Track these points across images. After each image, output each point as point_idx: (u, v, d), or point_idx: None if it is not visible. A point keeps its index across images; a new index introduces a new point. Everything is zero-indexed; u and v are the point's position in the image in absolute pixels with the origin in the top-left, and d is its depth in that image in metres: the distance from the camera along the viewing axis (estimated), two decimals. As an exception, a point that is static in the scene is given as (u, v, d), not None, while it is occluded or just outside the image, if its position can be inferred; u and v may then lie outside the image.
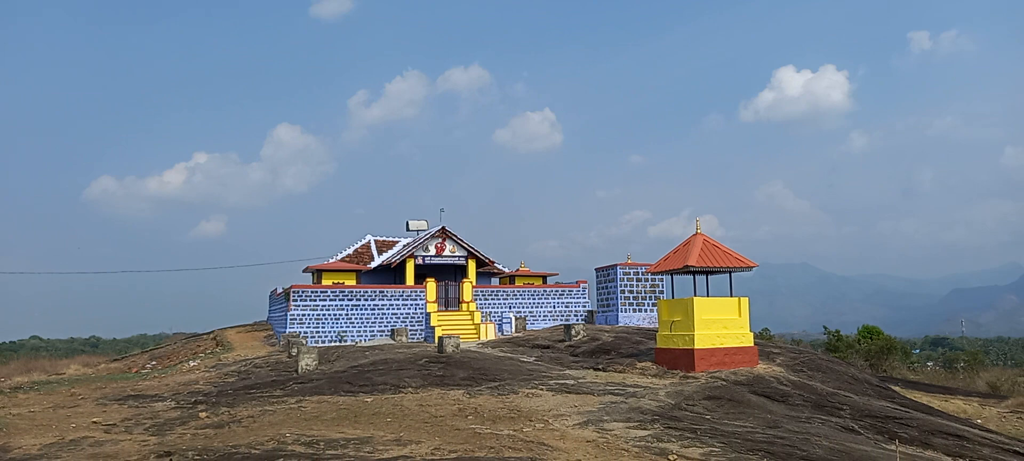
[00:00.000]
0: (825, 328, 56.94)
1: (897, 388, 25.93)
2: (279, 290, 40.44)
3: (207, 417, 16.71)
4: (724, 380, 19.53)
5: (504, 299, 39.61)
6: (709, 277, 23.06)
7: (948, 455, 14.75)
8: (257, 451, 11.98)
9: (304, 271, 42.33)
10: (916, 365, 52.23)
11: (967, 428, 17.59)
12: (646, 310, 35.55)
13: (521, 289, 40.56)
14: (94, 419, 16.93)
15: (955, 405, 26.50)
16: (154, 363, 34.61)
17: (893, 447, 13.89)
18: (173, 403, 19.50)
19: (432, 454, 11.36)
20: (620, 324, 34.67)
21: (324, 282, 38.90)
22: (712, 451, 12.33)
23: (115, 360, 42.84)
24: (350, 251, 42.98)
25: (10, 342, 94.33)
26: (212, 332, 44.17)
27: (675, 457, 11.68)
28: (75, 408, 19.15)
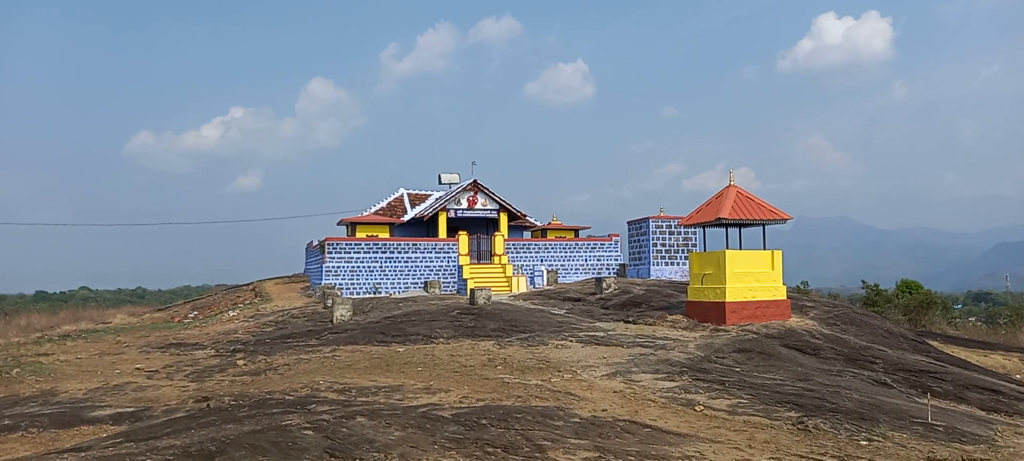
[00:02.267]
0: (863, 282, 55.99)
1: (935, 343, 25.53)
2: (315, 243, 41.07)
3: (245, 365, 17.19)
4: (755, 333, 19.43)
5: (536, 252, 39.71)
6: (743, 230, 22.80)
7: (982, 409, 14.55)
8: (291, 397, 12.30)
9: (338, 224, 42.87)
10: (957, 320, 51.25)
11: (1004, 383, 17.31)
12: (678, 263, 35.37)
13: (553, 242, 40.58)
14: (137, 366, 17.53)
15: (994, 360, 26.05)
16: (196, 313, 35.56)
17: (925, 401, 13.76)
18: (213, 351, 20.07)
19: (460, 402, 11.56)
20: (652, 277, 34.58)
21: (358, 235, 39.36)
22: (739, 402, 12.33)
23: (159, 310, 44.13)
24: (383, 204, 43.35)
25: (60, 292, 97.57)
26: (251, 283, 45.15)
27: (702, 408, 11.71)
28: (120, 355, 19.84)
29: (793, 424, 10.28)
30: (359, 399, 11.99)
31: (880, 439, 9.56)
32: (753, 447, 8.95)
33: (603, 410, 11.19)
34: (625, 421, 10.25)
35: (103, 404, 12.67)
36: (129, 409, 12.10)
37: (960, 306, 76.61)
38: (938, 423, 11.37)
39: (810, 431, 9.82)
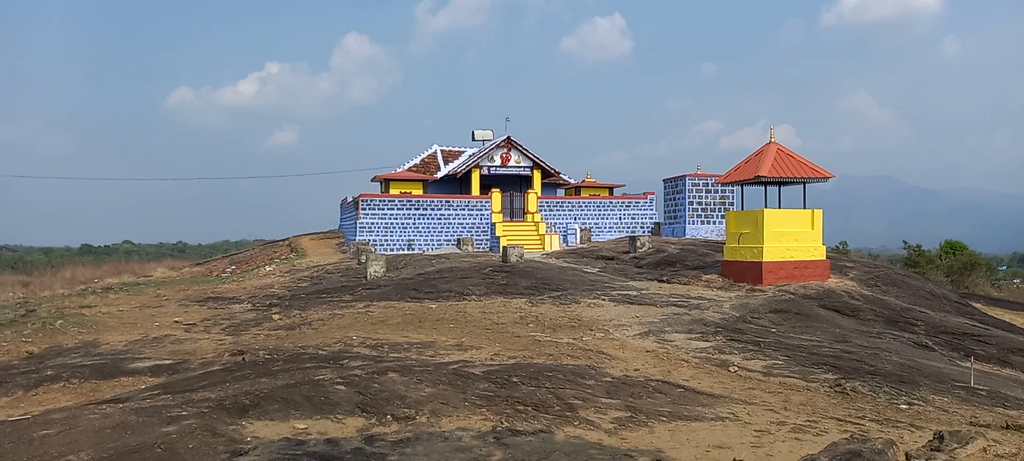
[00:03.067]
0: (905, 243, 54.74)
1: (978, 305, 24.89)
2: (349, 199, 41.32)
3: (280, 319, 17.42)
4: (792, 293, 19.09)
5: (569, 210, 39.47)
6: (781, 189, 22.30)
7: (1028, 374, 14.16)
8: (324, 352, 12.42)
9: (372, 180, 43.02)
10: (1002, 282, 49.89)
11: (1051, 347, 16.79)
12: (714, 222, 34.88)
13: (587, 200, 40.27)
14: (176, 319, 17.88)
15: (1041, 324, 25.36)
16: (233, 268, 36.18)
17: (968, 364, 13.41)
18: (249, 305, 20.38)
19: (491, 359, 11.54)
20: (687, 236, 34.18)
21: (392, 191, 39.48)
22: (775, 364, 12.14)
23: (198, 264, 45.01)
24: (417, 161, 43.34)
25: (104, 246, 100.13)
26: (287, 239, 45.73)
27: (736, 369, 11.54)
28: (160, 308, 20.26)
29: (830, 386, 10.07)
30: (391, 355, 12.06)
31: (921, 403, 9.32)
32: (788, 409, 8.78)
33: (635, 369, 11.09)
34: (657, 381, 10.14)
35: (142, 356, 12.94)
36: (167, 361, 12.33)
37: (1005, 268, 74.65)
38: (981, 387, 11.06)
39: (848, 394, 9.61)
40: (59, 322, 16.59)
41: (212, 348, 13.70)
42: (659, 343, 13.74)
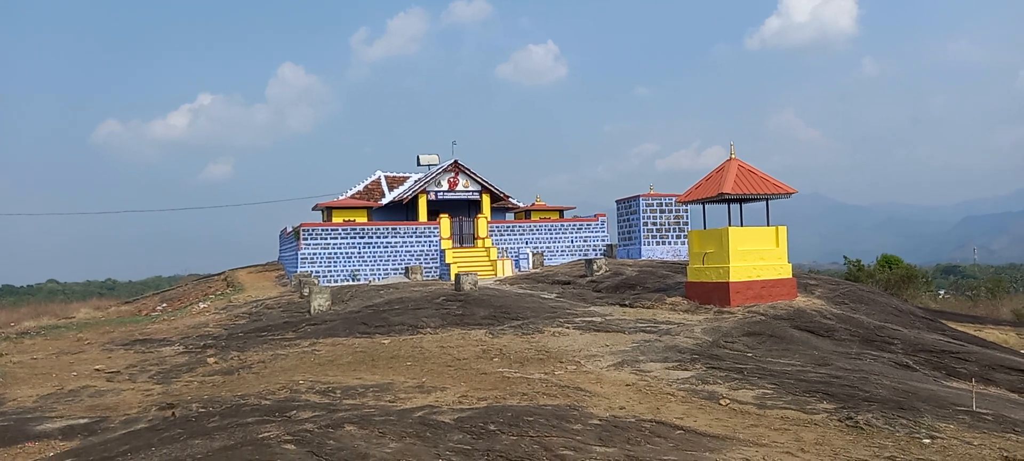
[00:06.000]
0: (845, 258, 55.32)
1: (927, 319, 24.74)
2: (289, 229, 39.41)
3: (216, 363, 15.78)
4: (763, 314, 18.38)
5: (520, 234, 38.45)
6: (743, 206, 21.72)
7: (1013, 391, 13.64)
8: (268, 401, 10.96)
9: (314, 209, 41.24)
10: (931, 293, 50.78)
11: (1025, 361, 16.42)
12: (670, 242, 34.32)
13: (537, 224, 39.34)
14: (97, 366, 16.03)
15: (990, 334, 25.37)
16: (165, 306, 33.87)
17: (961, 386, 12.80)
18: (181, 348, 18.62)
19: (459, 402, 10.30)
20: (643, 258, 33.50)
21: (334, 220, 37.80)
22: (765, 393, 11.21)
23: (126, 303, 42.25)
24: (360, 187, 41.76)
25: (27, 286, 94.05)
26: (223, 273, 43.37)
27: (727, 402, 10.56)
28: (79, 355, 18.30)
29: (840, 420, 9.15)
30: (345, 402, 10.69)
31: (943, 436, 8.47)
32: (806, 451, 7.81)
33: (621, 408, 10.00)
34: (650, 421, 9.06)
35: (53, 414, 11.21)
36: (82, 420, 10.67)
37: (931, 279, 76.58)
38: (985, 411, 10.34)
39: (862, 429, 8.70)
40: (-41, 376, 14.59)
41: (137, 401, 12.04)
42: (637, 375, 12.70)
